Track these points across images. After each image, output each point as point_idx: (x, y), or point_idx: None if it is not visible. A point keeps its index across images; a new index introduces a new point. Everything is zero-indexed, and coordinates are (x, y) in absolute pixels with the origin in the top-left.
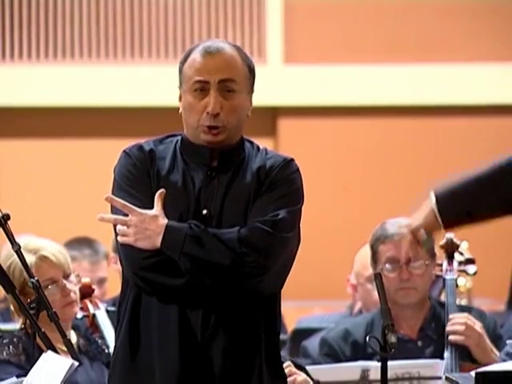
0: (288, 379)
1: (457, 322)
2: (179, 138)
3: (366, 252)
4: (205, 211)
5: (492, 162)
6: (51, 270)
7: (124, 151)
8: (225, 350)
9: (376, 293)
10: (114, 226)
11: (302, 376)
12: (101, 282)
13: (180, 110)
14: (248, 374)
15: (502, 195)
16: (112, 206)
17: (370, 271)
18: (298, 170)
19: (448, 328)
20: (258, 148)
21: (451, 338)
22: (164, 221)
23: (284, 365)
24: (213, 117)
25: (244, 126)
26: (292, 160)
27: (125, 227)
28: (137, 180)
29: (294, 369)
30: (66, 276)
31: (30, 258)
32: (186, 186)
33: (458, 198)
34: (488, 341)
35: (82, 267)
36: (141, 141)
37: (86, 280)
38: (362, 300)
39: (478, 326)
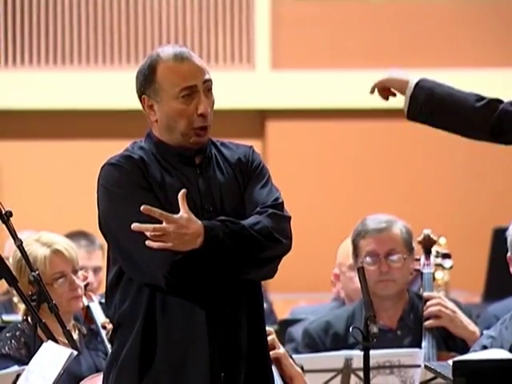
0: (271, 352)
1: (431, 305)
2: (147, 144)
3: (347, 244)
4: (207, 206)
5: (481, 97)
6: (63, 264)
7: (110, 164)
8: (245, 334)
9: (357, 280)
10: (112, 233)
11: (282, 349)
12: (96, 270)
13: (152, 118)
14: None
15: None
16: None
17: (351, 260)
18: (260, 154)
19: (424, 313)
20: (217, 141)
21: (427, 323)
22: (199, 223)
23: (269, 337)
24: (204, 119)
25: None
26: (251, 146)
27: (159, 233)
28: (140, 188)
29: (276, 340)
30: (75, 271)
31: (43, 251)
32: (184, 187)
33: (435, 97)
34: (463, 315)
35: (79, 256)
36: (116, 148)
37: (80, 273)
38: (344, 287)
39: (450, 304)
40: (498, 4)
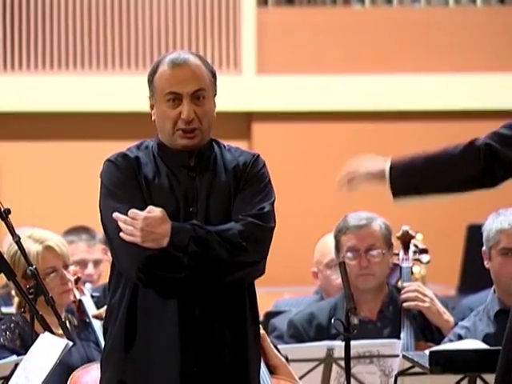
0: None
1: (409, 290)
2: (153, 143)
3: (323, 242)
4: (191, 209)
5: (452, 146)
6: (54, 260)
7: (108, 160)
8: (220, 331)
9: (334, 278)
10: (103, 224)
11: (268, 341)
12: (97, 263)
13: (153, 118)
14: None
15: (460, 175)
16: (104, 203)
17: (327, 258)
18: (264, 164)
19: (401, 296)
20: (224, 146)
21: (405, 304)
22: (168, 223)
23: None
24: (187, 123)
25: (213, 126)
26: (258, 156)
27: (131, 227)
28: (128, 185)
29: (264, 334)
30: (66, 266)
31: (36, 247)
32: (172, 188)
33: (411, 172)
34: (439, 304)
35: (79, 248)
36: (122, 148)
37: (72, 268)
38: (322, 284)
39: (428, 292)
40: (474, 10)
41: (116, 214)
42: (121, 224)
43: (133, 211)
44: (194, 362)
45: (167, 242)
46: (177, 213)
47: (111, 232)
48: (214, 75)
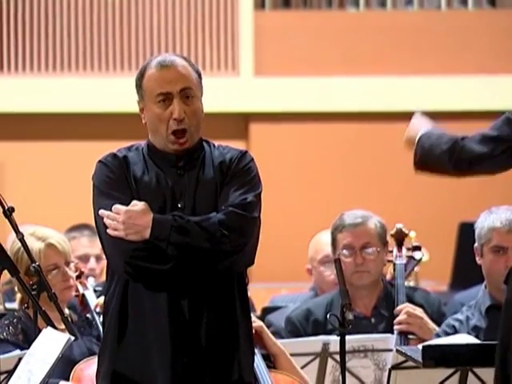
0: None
1: (399, 313)
2: (143, 145)
3: (317, 240)
4: (179, 204)
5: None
6: (56, 257)
7: (99, 161)
8: (209, 322)
9: (327, 274)
10: (95, 222)
11: (266, 330)
12: (98, 257)
13: (144, 121)
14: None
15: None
16: (95, 202)
17: (321, 255)
18: (252, 159)
19: (395, 320)
20: (214, 145)
21: (397, 327)
22: (150, 215)
23: (255, 324)
24: (179, 122)
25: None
26: (246, 151)
27: (115, 222)
28: (117, 183)
29: (260, 322)
30: (67, 263)
31: (38, 245)
32: (160, 185)
33: (424, 145)
34: (430, 322)
35: (81, 243)
36: (113, 149)
37: (73, 264)
38: (316, 281)
39: (418, 311)
40: (466, 13)
41: (101, 211)
42: (106, 220)
43: (116, 206)
44: (184, 353)
45: (149, 233)
46: (164, 208)
47: (100, 229)
48: (199, 76)
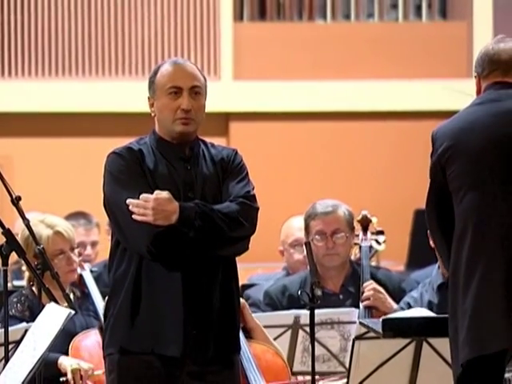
0: None
1: (366, 290)
2: (150, 139)
3: (288, 224)
4: (189, 194)
5: None
6: (62, 243)
7: (114, 153)
8: (216, 299)
9: (296, 256)
10: (110, 207)
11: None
12: (94, 244)
13: (153, 114)
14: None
15: None
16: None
17: (291, 239)
18: (242, 157)
19: (363, 296)
20: (208, 143)
21: (364, 303)
22: (176, 202)
23: None
24: (185, 112)
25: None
26: (237, 150)
27: (142, 209)
28: (134, 173)
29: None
30: (72, 249)
31: (47, 232)
32: (172, 176)
33: None
34: (390, 299)
35: (78, 232)
36: (116, 144)
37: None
38: (287, 261)
39: (381, 289)
40: (420, 25)
41: (129, 200)
42: (132, 208)
43: (144, 195)
44: (194, 326)
45: (176, 218)
46: (178, 197)
47: (119, 214)
48: (205, 80)
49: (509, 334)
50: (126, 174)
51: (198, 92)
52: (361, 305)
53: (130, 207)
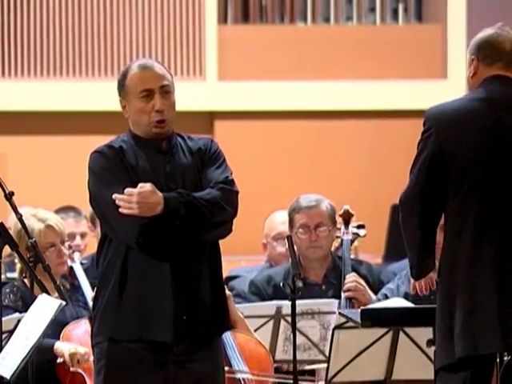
0: None
1: (348, 281)
2: (127, 137)
3: (271, 218)
4: (171, 185)
5: None
6: (53, 236)
7: (96, 152)
8: (204, 284)
9: (278, 249)
10: (96, 203)
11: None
12: (83, 235)
13: (126, 115)
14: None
15: None
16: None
17: (274, 232)
18: (218, 145)
19: (344, 287)
20: (185, 136)
21: (346, 294)
22: (159, 193)
23: None
24: (160, 113)
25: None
26: (213, 139)
27: (128, 203)
28: (116, 170)
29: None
30: (63, 242)
31: (39, 225)
32: (153, 170)
33: None
34: (370, 291)
35: (68, 224)
36: (103, 141)
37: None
38: (270, 254)
39: (362, 281)
40: (397, 28)
41: (115, 195)
42: (118, 202)
43: (128, 189)
44: (184, 311)
45: (161, 208)
46: (160, 188)
47: (106, 210)
48: (172, 77)
49: (501, 338)
50: (109, 171)
51: (167, 91)
52: (342, 295)
53: (116, 202)
